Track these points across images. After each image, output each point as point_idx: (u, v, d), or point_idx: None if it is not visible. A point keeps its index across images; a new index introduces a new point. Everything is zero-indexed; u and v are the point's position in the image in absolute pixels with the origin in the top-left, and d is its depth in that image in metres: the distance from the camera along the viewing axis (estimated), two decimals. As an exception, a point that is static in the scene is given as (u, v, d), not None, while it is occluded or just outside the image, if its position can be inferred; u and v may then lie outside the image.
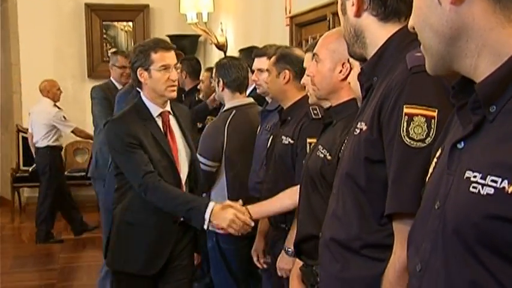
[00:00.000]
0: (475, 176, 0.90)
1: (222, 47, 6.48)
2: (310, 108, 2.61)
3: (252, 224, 2.57)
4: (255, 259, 3.04)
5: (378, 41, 1.48)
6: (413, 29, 1.05)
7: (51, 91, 6.48)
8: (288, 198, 2.45)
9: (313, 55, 2.12)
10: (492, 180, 0.87)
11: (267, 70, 2.93)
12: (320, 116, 2.51)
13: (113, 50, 7.72)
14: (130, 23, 8.05)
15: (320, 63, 2.07)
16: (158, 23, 7.98)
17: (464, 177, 0.92)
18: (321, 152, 2.07)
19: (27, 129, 7.59)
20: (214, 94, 4.00)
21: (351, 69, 2.01)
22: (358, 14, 1.49)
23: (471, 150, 0.96)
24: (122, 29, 8.11)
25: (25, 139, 7.59)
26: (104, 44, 7.90)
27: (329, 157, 2.03)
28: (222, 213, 2.58)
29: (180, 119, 2.91)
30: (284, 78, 2.80)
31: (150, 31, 7.95)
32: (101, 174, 4.60)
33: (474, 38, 0.95)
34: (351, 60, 1.76)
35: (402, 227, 1.23)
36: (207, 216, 2.58)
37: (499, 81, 0.92)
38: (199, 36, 7.23)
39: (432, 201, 1.01)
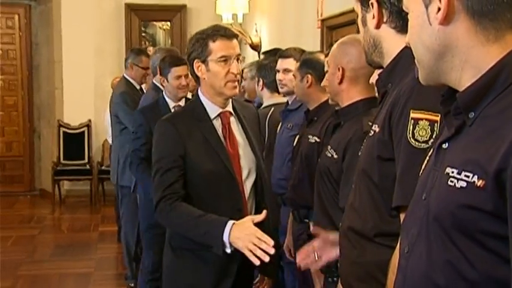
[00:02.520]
0: (452, 172, 1.05)
1: (256, 47, 6.64)
2: (336, 109, 2.77)
3: (272, 250, 2.07)
4: (287, 254, 3.18)
5: (394, 51, 1.61)
6: (409, 44, 1.20)
7: None
8: None
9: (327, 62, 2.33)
10: (465, 176, 1.02)
11: (293, 75, 3.10)
12: None
13: (150, 48, 7.98)
14: (168, 23, 8.28)
15: (328, 71, 2.26)
16: (195, 23, 8.17)
17: (445, 173, 1.07)
18: (329, 152, 2.25)
19: (68, 124, 7.92)
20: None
21: (343, 74, 2.19)
22: (378, 26, 1.62)
23: (452, 149, 1.11)
24: (160, 27, 8.36)
25: (66, 133, 7.90)
26: (142, 43, 8.14)
27: (335, 156, 2.20)
28: (242, 231, 2.15)
29: (244, 120, 2.50)
30: (307, 82, 2.96)
31: (187, 30, 8.16)
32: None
33: (458, 54, 1.10)
34: None
35: None
36: (225, 237, 2.15)
37: (476, 92, 1.07)
38: (234, 36, 7.40)
39: (421, 193, 1.16)
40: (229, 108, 2.46)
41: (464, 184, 1.02)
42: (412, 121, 1.44)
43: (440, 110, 1.19)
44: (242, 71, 4.35)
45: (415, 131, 1.44)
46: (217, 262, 2.31)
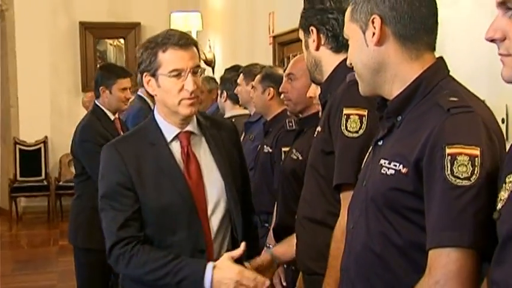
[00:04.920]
0: (384, 163, 1.35)
1: (210, 63, 6.90)
2: (287, 120, 3.04)
3: (268, 282, 1.91)
4: None
5: (331, 68, 1.94)
6: (351, 64, 1.50)
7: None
8: None
9: (288, 74, 2.57)
10: (394, 165, 1.33)
11: (253, 87, 3.36)
12: (294, 128, 2.94)
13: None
14: (122, 40, 8.44)
15: (296, 81, 2.51)
16: (149, 40, 8.35)
17: (379, 164, 1.37)
18: (295, 155, 2.52)
19: (24, 141, 7.97)
20: None
21: None
22: (317, 48, 1.95)
23: (385, 146, 1.42)
24: (111, 44, 8.50)
25: (22, 151, 7.93)
26: (97, 60, 8.28)
27: (301, 158, 2.48)
28: (226, 276, 1.87)
29: (212, 139, 2.09)
30: (269, 94, 3.23)
31: (142, 47, 8.32)
32: None
33: (389, 70, 1.41)
34: None
35: (345, 195, 1.71)
36: (207, 285, 1.86)
37: (402, 100, 1.39)
38: (188, 52, 7.61)
39: (362, 181, 1.46)
40: (191, 127, 2.06)
41: (393, 172, 1.32)
42: (345, 116, 1.76)
43: (376, 114, 1.49)
44: None
45: (347, 124, 1.76)
46: None
